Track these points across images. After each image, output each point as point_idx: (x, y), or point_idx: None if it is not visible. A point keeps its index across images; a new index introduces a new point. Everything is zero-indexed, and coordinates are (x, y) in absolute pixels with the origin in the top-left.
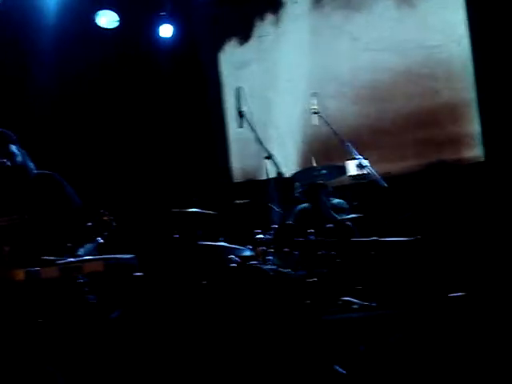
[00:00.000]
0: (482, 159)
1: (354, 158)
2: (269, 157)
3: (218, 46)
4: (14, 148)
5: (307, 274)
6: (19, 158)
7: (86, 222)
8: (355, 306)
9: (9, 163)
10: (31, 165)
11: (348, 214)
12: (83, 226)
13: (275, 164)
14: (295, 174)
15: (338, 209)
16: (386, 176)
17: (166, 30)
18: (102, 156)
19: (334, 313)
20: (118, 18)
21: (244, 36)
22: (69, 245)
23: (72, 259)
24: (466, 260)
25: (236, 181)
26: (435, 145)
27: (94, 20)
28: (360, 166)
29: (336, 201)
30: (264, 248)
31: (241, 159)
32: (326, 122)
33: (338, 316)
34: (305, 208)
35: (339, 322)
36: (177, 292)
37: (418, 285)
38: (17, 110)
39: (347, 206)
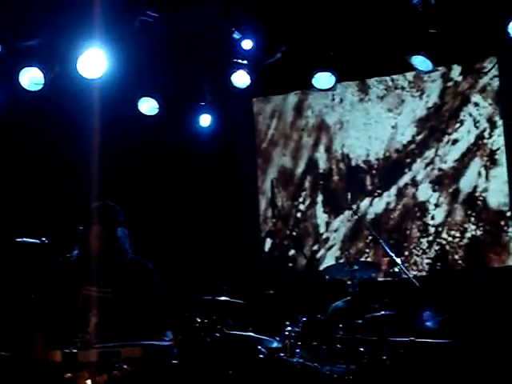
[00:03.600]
0: None
1: (388, 255)
2: (299, 248)
3: (254, 136)
4: (119, 231)
5: (336, 369)
6: (120, 241)
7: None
8: None
9: (105, 244)
10: (128, 248)
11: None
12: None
13: (305, 256)
14: (327, 267)
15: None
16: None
17: (205, 120)
18: (133, 240)
19: None
20: (157, 106)
21: None
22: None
23: (111, 344)
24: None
25: (267, 271)
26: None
27: (136, 106)
28: (393, 264)
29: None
30: (292, 341)
31: (273, 250)
32: (362, 219)
33: None
34: (338, 307)
35: None
36: (206, 381)
37: None
38: (59, 189)
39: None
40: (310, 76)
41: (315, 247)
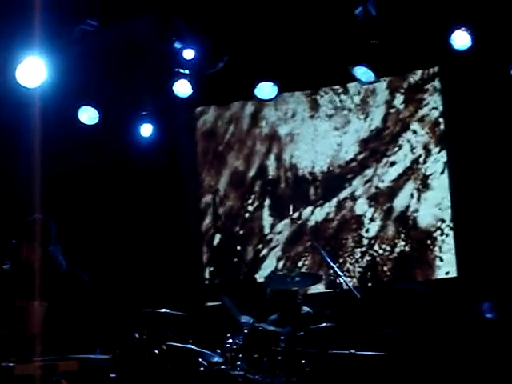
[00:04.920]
0: (455, 275)
1: (330, 267)
2: (240, 259)
3: (196, 145)
4: (51, 247)
5: (277, 382)
6: (52, 256)
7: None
8: None
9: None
10: (61, 261)
11: (318, 323)
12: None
13: (246, 266)
14: (268, 279)
15: (307, 317)
16: None
17: (146, 129)
18: (75, 253)
19: None
20: (98, 115)
21: None
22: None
23: (49, 357)
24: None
25: (208, 282)
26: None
27: (76, 115)
28: (334, 275)
29: (306, 309)
30: (233, 353)
31: (215, 261)
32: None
33: None
34: (273, 321)
35: None
36: None
37: None
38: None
39: (314, 314)
40: (253, 86)
41: (259, 246)
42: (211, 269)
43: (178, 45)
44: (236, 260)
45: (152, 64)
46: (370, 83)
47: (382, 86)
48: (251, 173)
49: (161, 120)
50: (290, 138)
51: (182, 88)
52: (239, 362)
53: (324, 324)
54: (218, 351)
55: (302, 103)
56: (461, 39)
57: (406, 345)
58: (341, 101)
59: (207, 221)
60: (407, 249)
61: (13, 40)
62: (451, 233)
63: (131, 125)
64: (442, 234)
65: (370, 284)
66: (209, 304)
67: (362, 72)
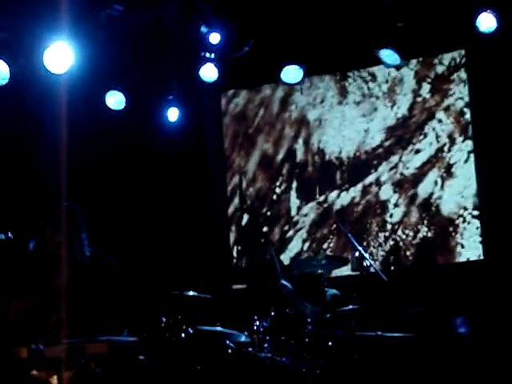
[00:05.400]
0: (482, 258)
1: (355, 249)
2: (267, 242)
3: (221, 128)
4: (84, 237)
5: (304, 364)
6: (77, 244)
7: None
8: None
9: (81, 258)
10: (86, 246)
11: (344, 305)
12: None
13: (272, 250)
14: (294, 261)
15: (333, 300)
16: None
17: (172, 114)
18: (103, 237)
19: None
20: (125, 99)
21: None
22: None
23: (78, 340)
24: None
25: (235, 265)
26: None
27: (103, 100)
28: (360, 258)
29: (332, 291)
30: (260, 335)
31: (241, 243)
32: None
33: None
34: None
35: None
36: (174, 376)
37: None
38: (24, 185)
39: (342, 296)
40: (279, 70)
41: (286, 228)
42: (239, 248)
43: (203, 29)
44: (262, 241)
45: (178, 48)
46: (396, 66)
47: (410, 75)
48: (280, 156)
49: (187, 104)
50: (318, 122)
51: (208, 72)
52: (266, 345)
53: (350, 306)
54: (246, 333)
55: (330, 89)
56: (487, 22)
57: (433, 326)
58: (369, 88)
59: (236, 201)
60: (430, 235)
61: (39, 25)
62: (473, 220)
63: (158, 109)
64: (464, 222)
65: (392, 268)
66: (235, 287)
67: (387, 55)
